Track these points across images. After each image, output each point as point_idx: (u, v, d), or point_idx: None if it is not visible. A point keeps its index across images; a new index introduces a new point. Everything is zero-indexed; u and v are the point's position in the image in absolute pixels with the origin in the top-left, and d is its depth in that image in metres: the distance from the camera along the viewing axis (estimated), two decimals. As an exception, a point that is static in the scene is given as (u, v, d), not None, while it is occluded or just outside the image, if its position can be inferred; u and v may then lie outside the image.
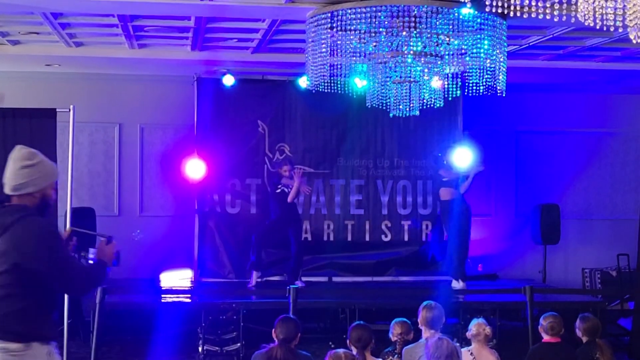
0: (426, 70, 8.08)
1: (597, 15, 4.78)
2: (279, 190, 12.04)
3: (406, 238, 13.49)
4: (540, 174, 14.39)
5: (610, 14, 4.77)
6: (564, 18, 5.11)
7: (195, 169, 12.58)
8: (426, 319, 7.39)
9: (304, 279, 12.36)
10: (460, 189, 12.19)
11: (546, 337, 7.78)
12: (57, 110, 10.50)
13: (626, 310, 12.60)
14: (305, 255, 13.07)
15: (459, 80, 8.36)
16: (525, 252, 14.08)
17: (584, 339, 7.84)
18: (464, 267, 12.25)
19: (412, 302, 9.92)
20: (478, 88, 8.06)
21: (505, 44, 7.81)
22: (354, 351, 6.58)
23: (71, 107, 10.45)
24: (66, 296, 10.34)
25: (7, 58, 12.02)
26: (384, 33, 7.59)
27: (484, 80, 7.98)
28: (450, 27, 7.54)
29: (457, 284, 11.94)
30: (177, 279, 12.69)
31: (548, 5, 5.06)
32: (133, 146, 13.74)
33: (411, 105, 8.54)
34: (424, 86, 8.51)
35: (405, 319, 7.63)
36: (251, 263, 12.13)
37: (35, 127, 10.43)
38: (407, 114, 8.70)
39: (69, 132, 10.54)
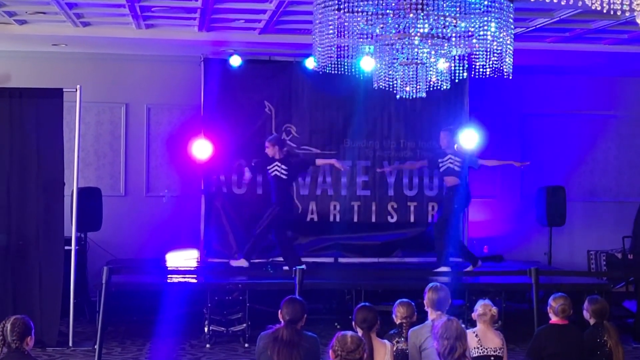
0: (433, 52, 8.06)
1: (604, -1, 4.78)
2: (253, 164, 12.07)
3: (412, 219, 13.51)
4: (545, 156, 14.38)
5: (617, -3, 4.77)
6: (571, 1, 5.10)
7: (201, 149, 12.59)
8: (432, 300, 7.41)
9: (310, 259, 12.41)
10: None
11: (554, 319, 7.80)
12: (64, 90, 10.52)
13: (631, 293, 12.64)
14: (310, 236, 13.14)
15: (465, 62, 8.34)
16: (530, 234, 14.10)
17: (592, 321, 7.86)
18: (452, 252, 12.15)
19: (418, 284, 9.97)
20: (485, 70, 8.04)
21: (512, 26, 7.78)
22: (360, 332, 6.59)
23: (78, 87, 10.48)
24: (72, 276, 10.44)
25: (14, 38, 12.03)
26: (391, 15, 7.57)
27: (491, 62, 7.96)
28: (457, 9, 7.52)
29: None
30: (183, 260, 12.73)
31: (556, -12, 5.05)
32: (139, 126, 13.76)
33: (418, 87, 8.53)
34: (431, 68, 8.50)
35: (408, 300, 7.64)
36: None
37: (42, 107, 10.48)
38: (414, 96, 8.70)
39: (76, 112, 10.59)
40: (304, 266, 10.81)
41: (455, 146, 11.99)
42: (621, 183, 14.65)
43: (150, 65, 13.61)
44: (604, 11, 4.85)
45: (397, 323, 7.57)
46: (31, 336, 6.09)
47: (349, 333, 5.85)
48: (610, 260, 13.73)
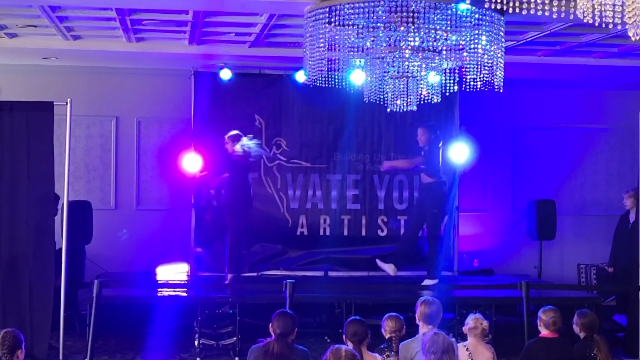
0: (424, 65, 8.07)
1: (596, 12, 4.79)
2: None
3: (402, 233, 13.50)
4: (536, 170, 14.41)
5: (609, 10, 4.78)
6: (563, 15, 5.12)
7: (192, 162, 12.59)
8: (424, 314, 7.41)
9: (300, 273, 12.41)
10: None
11: (545, 332, 7.80)
12: (54, 103, 10.50)
13: (620, 306, 12.64)
14: (301, 250, 13.13)
15: (456, 75, 8.35)
16: (520, 248, 14.11)
17: (582, 335, 7.86)
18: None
19: (408, 297, 9.97)
20: (475, 83, 8.06)
21: (503, 39, 7.80)
22: (350, 346, 6.59)
23: (68, 100, 10.45)
24: (62, 289, 10.39)
25: (5, 51, 12.02)
26: (382, 28, 7.59)
27: (482, 75, 7.97)
28: (448, 22, 7.54)
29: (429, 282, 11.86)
30: (173, 273, 12.69)
31: (547, 2, 5.06)
32: (130, 140, 13.75)
33: (408, 100, 8.54)
34: (422, 81, 8.51)
35: (397, 314, 7.64)
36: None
37: (32, 120, 10.44)
38: (405, 109, 8.71)
39: (66, 125, 10.55)
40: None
41: (440, 144, 11.98)
42: (611, 196, 14.66)
43: (141, 79, 13.61)
44: (596, 24, 4.87)
45: (387, 337, 7.56)
46: (22, 349, 6.07)
47: (343, 347, 5.85)
48: (600, 274, 13.75)
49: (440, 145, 12.04)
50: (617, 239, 12.08)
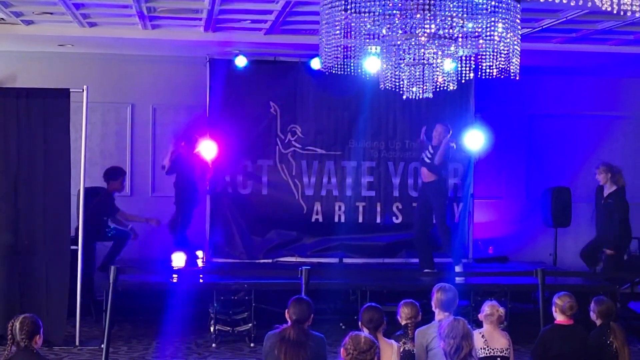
0: (439, 52, 8.07)
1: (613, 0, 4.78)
2: None
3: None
4: (551, 157, 14.39)
5: (626, -2, 4.78)
6: (581, 2, 5.11)
7: (207, 149, 12.62)
8: (440, 300, 7.42)
9: (314, 260, 12.48)
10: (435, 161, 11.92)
11: (560, 318, 7.80)
12: (70, 90, 10.55)
13: (636, 294, 12.64)
14: (315, 237, 13.16)
15: (472, 62, 8.34)
16: (536, 235, 14.10)
17: (598, 322, 7.87)
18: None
19: (423, 284, 9.99)
20: (491, 71, 8.05)
21: (519, 27, 7.79)
22: (366, 332, 6.61)
23: (84, 87, 10.51)
24: (79, 275, 10.46)
25: (21, 38, 12.06)
26: (398, 15, 7.58)
27: (497, 63, 7.96)
28: (464, 9, 7.53)
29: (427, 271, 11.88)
30: (184, 260, 12.72)
31: (564, -11, 5.06)
32: (145, 127, 13.80)
33: (424, 87, 8.53)
34: (437, 69, 8.50)
35: (412, 300, 7.67)
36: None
37: (48, 107, 10.51)
38: (420, 97, 8.70)
39: (83, 112, 10.62)
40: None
41: (453, 144, 11.96)
42: (627, 184, 14.61)
43: (156, 66, 13.64)
44: (614, 12, 4.86)
45: (402, 324, 7.58)
46: (40, 335, 6.12)
47: (362, 333, 5.88)
48: (610, 262, 13.72)
49: (452, 144, 12.03)
50: (597, 214, 12.42)
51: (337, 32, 7.72)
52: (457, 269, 11.82)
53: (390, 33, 7.80)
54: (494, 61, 7.87)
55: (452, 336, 6.02)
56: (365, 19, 7.61)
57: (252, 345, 10.55)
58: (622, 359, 7.72)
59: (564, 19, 10.60)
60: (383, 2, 7.35)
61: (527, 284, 11.20)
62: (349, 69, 8.46)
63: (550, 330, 7.87)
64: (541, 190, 13.88)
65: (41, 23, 11.58)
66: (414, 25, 7.61)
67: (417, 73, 8.46)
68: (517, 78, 8.00)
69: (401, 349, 7.14)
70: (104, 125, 13.67)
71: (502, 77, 8.09)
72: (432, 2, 7.35)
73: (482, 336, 7.41)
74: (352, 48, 8.14)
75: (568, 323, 7.79)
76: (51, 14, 10.94)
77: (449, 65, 8.44)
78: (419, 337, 7.23)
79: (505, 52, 7.76)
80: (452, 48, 7.94)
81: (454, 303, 7.45)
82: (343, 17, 7.58)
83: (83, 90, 10.52)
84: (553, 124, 14.50)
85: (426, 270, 11.79)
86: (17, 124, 10.43)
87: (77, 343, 10.37)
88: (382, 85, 8.82)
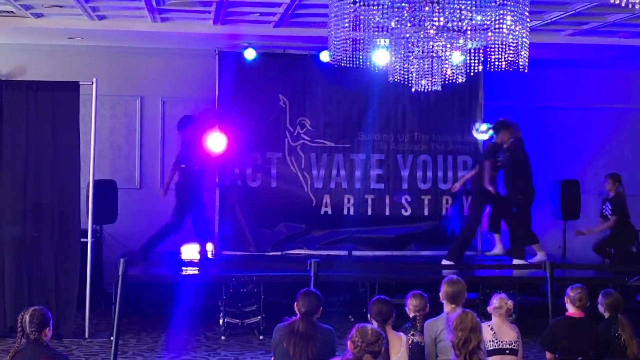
0: (448, 45, 8.06)
1: (622, -8, 4.77)
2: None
3: (426, 213, 13.51)
4: (560, 150, 14.36)
5: (635, -10, 4.76)
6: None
7: (216, 142, 12.63)
8: (448, 293, 7.42)
9: (323, 252, 12.52)
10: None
11: (572, 310, 7.81)
12: (80, 83, 10.57)
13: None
14: (324, 229, 13.18)
15: (481, 55, 8.34)
16: (545, 228, 14.05)
17: (606, 315, 7.87)
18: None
19: (432, 277, 10.00)
20: (500, 64, 8.05)
21: (527, 19, 7.79)
22: (375, 324, 6.63)
23: (94, 80, 10.53)
24: (88, 268, 10.49)
25: (30, 31, 12.07)
26: (407, 8, 7.58)
27: (506, 55, 7.96)
28: (473, 2, 7.53)
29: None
30: (198, 252, 12.76)
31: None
32: (154, 119, 13.81)
33: (433, 80, 8.54)
34: (446, 61, 8.50)
35: (420, 292, 7.67)
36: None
37: (58, 100, 10.54)
38: (429, 89, 8.70)
39: (92, 105, 10.65)
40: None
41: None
42: (636, 176, 14.59)
43: (165, 59, 13.64)
44: (622, 4, 4.86)
45: (411, 316, 7.59)
46: (49, 327, 6.14)
47: (369, 325, 5.90)
48: (620, 254, 13.71)
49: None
50: None
51: (346, 24, 7.72)
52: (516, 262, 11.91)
53: (399, 26, 7.80)
54: (503, 54, 7.87)
55: (461, 328, 6.02)
56: (374, 12, 7.61)
57: (261, 337, 10.57)
58: (630, 351, 7.72)
59: (573, 12, 10.58)
60: (392, -5, 7.36)
61: (536, 277, 11.20)
62: (358, 62, 8.47)
63: (561, 322, 7.88)
64: (550, 183, 13.86)
65: (50, 16, 11.60)
66: (423, 17, 7.61)
67: (426, 66, 8.46)
68: (526, 71, 8.00)
69: (410, 341, 7.15)
70: (113, 118, 13.68)
71: (511, 69, 8.08)
72: (441, -6, 7.35)
73: (491, 329, 7.41)
74: (361, 41, 8.15)
75: (579, 315, 7.80)
76: (60, 7, 10.96)
77: (457, 57, 8.45)
78: (428, 329, 7.24)
79: (514, 44, 7.76)
80: (461, 41, 7.94)
81: (463, 295, 7.45)
82: (352, 10, 7.59)
83: (92, 83, 10.55)
84: (562, 116, 14.46)
85: (446, 262, 11.78)
86: (26, 116, 10.46)
87: (86, 335, 10.41)
88: (391, 78, 8.83)
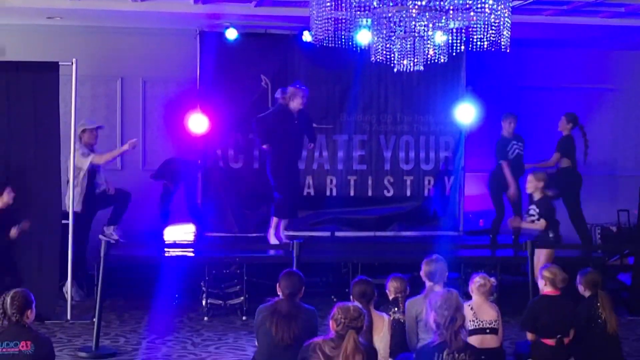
0: (430, 25, 8.05)
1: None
2: None
3: (408, 193, 13.53)
4: (542, 130, 14.38)
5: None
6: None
7: (198, 123, 12.59)
8: (428, 272, 7.47)
9: (306, 233, 12.51)
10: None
11: (547, 290, 7.86)
12: (59, 63, 10.50)
13: (625, 266, 12.70)
14: (307, 210, 13.16)
15: (463, 35, 8.34)
16: (526, 208, 14.10)
17: (586, 294, 7.92)
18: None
19: (414, 257, 10.02)
20: (482, 43, 8.05)
21: (510, -1, 7.79)
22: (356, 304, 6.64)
23: (74, 60, 10.45)
24: (70, 250, 10.45)
25: (9, 11, 11.96)
26: (389, -13, 7.57)
27: (488, 35, 7.96)
28: (455, -19, 7.52)
29: None
30: (180, 233, 12.74)
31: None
32: (135, 100, 13.74)
33: (415, 60, 8.53)
34: (428, 41, 8.49)
35: (401, 275, 7.72)
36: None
37: (37, 80, 10.47)
38: (411, 69, 8.70)
39: (72, 85, 10.56)
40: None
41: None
42: (616, 157, 14.66)
43: (146, 39, 13.54)
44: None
45: (391, 298, 7.63)
46: (31, 309, 6.12)
47: (350, 303, 5.92)
48: (604, 234, 13.81)
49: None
50: None
51: (328, 4, 7.70)
52: None
53: (381, 5, 7.79)
54: (485, 34, 7.87)
55: (446, 307, 6.05)
56: (356, -9, 7.59)
57: (244, 318, 10.58)
58: (610, 327, 7.78)
59: (555, -9, 10.60)
60: (374, -26, 7.34)
61: (516, 257, 11.26)
62: (340, 42, 8.45)
63: (538, 301, 7.94)
64: (531, 162, 13.88)
65: (30, -5, 11.52)
66: (405, -3, 7.60)
67: (408, 46, 8.46)
68: (508, 51, 8.00)
69: (391, 319, 7.19)
70: (93, 99, 13.59)
71: (493, 49, 8.08)
72: (423, -26, 7.34)
73: (471, 308, 7.45)
74: (343, 20, 8.12)
75: (555, 293, 7.85)
76: (40, -14, 10.88)
77: (440, 37, 8.44)
78: (410, 308, 7.28)
79: (496, 24, 7.76)
80: (443, 20, 7.93)
81: (443, 274, 7.49)
82: (334, -11, 7.56)
83: (72, 63, 10.47)
84: (544, 96, 14.49)
85: None
86: (6, 97, 10.40)
87: (68, 317, 10.38)
88: (373, 58, 8.81)
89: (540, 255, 9.73)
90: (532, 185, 10.45)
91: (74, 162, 10.76)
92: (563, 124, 12.49)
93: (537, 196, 10.40)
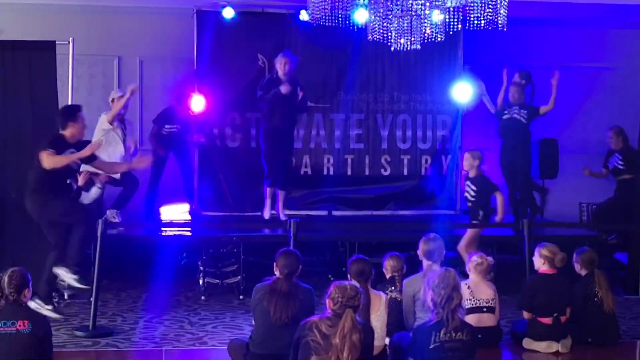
0: (427, 4, 8.04)
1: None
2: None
3: (405, 172, 13.55)
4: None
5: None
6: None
7: (195, 102, 12.57)
8: (425, 250, 7.49)
9: (303, 212, 12.54)
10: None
11: (543, 268, 7.88)
12: (56, 42, 10.47)
13: (622, 245, 12.71)
14: (304, 189, 13.18)
15: (460, 14, 8.33)
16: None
17: (583, 272, 7.96)
18: None
19: (411, 236, 10.03)
20: (479, 22, 8.04)
21: (507, -23, 7.78)
22: (355, 284, 6.66)
23: (70, 39, 10.43)
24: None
25: (6, -10, 11.94)
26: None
27: (485, 14, 7.95)
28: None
29: None
30: (177, 213, 12.74)
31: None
32: (132, 79, 13.67)
33: (412, 39, 8.52)
34: (425, 20, 8.48)
35: (397, 253, 7.73)
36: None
37: (34, 60, 10.42)
38: (408, 48, 8.69)
39: (69, 65, 10.54)
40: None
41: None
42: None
43: (143, 18, 13.49)
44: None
45: (388, 276, 7.65)
46: (29, 288, 6.14)
47: (347, 282, 5.94)
48: (598, 212, 13.81)
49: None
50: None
51: (325, -17, 7.68)
52: None
53: (378, -16, 7.77)
54: (482, 12, 7.86)
55: (443, 286, 6.08)
56: (353, -30, 7.58)
57: (241, 297, 10.60)
58: (607, 305, 7.82)
59: (553, -31, 10.57)
60: (371, -47, 7.32)
61: (513, 236, 11.27)
62: (337, 21, 8.44)
63: (534, 280, 7.97)
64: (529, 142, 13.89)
65: (26, -26, 11.47)
66: (402, -24, 7.59)
67: (405, 24, 8.45)
68: (505, 29, 7.99)
69: (388, 297, 7.21)
70: (90, 78, 13.57)
71: (490, 28, 8.07)
72: (420, -48, 7.32)
73: (468, 287, 7.49)
74: (340, -1, 8.11)
75: (551, 272, 7.87)
76: (36, -36, 10.84)
77: (437, 16, 8.42)
78: (407, 286, 7.30)
79: (493, 3, 7.76)
80: (440, -1, 7.92)
81: (440, 252, 7.52)
82: (331, -32, 7.55)
83: (69, 42, 10.44)
84: (541, 75, 14.45)
85: None
86: (3, 76, 10.37)
87: (65, 297, 10.39)
88: (370, 37, 8.80)
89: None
90: (468, 163, 10.56)
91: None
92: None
93: (472, 174, 10.49)
